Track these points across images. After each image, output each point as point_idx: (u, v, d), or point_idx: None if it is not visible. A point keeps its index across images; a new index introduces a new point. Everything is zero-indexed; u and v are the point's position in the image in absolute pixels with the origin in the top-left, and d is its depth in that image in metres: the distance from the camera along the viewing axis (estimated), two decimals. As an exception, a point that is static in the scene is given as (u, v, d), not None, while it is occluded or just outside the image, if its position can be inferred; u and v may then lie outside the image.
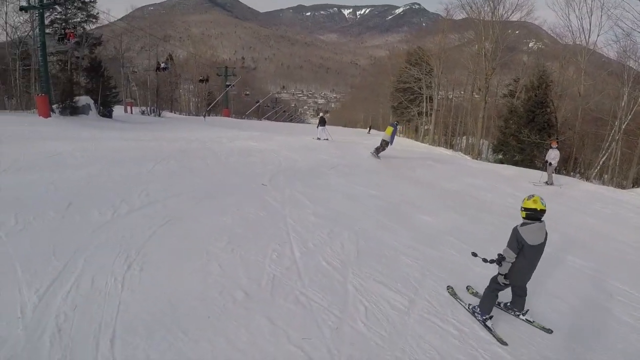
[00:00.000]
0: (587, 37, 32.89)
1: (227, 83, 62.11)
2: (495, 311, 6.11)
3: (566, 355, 5.56)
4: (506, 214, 12.45)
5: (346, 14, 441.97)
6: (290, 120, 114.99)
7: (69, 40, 26.97)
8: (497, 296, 5.99)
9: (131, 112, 44.87)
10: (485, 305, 5.94)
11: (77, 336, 4.75)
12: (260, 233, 8.27)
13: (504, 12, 39.23)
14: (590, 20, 32.39)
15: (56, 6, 30.19)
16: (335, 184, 13.90)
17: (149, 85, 52.24)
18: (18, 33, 29.77)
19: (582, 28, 32.84)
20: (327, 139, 28.27)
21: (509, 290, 6.10)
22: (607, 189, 22.07)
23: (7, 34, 29.43)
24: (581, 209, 14.90)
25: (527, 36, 50.44)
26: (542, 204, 5.75)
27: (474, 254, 6.25)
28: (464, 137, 47.21)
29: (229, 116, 62.46)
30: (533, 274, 5.96)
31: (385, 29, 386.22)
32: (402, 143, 40.56)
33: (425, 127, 51.88)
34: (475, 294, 6.66)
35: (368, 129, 50.80)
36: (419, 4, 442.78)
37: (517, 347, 5.51)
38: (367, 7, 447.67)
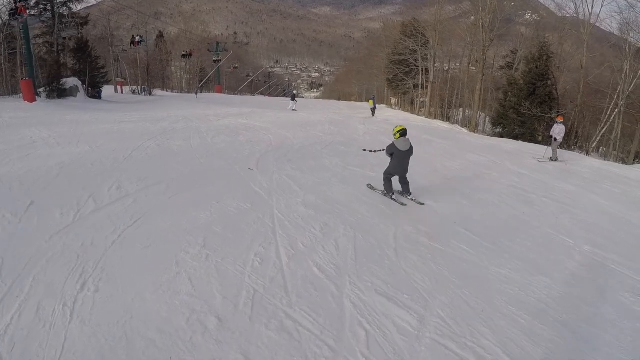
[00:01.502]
0: (590, 8, 31.81)
1: (214, 58, 60.98)
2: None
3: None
4: (514, 195, 11.48)
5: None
6: (284, 95, 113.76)
7: (20, 15, 25.62)
8: (390, 181, 9.78)
9: (122, 92, 44.33)
10: (387, 187, 9.82)
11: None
12: (242, 232, 7.15)
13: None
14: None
15: (39, -14, 29.54)
16: (329, 165, 12.87)
17: (139, 64, 50.90)
18: (1, 16, 28.70)
19: (586, -3, 31.44)
20: (294, 110, 33.99)
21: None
22: (611, 164, 21.24)
23: (-12, 17, 28.25)
24: (591, 188, 13.78)
25: (523, 7, 49.44)
26: (400, 126, 9.64)
27: (364, 150, 11.91)
28: (460, 110, 46.08)
29: (221, 92, 61.62)
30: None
31: (379, 1, 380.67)
32: (399, 117, 40.05)
33: (421, 100, 50.62)
34: (372, 187, 10.43)
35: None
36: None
37: None
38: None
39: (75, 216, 7.29)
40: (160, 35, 63.85)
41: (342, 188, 10.36)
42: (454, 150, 18.64)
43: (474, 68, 42.20)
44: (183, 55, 57.57)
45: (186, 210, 7.90)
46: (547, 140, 19.11)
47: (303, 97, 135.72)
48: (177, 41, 65.43)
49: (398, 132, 9.43)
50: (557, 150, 18.52)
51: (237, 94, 70.96)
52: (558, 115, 19.79)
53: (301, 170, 11.73)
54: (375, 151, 11.82)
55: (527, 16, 50.19)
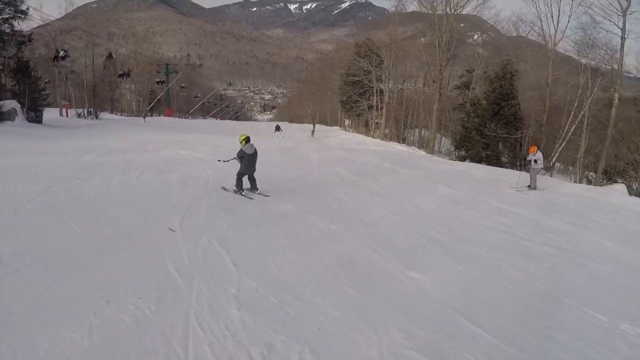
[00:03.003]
0: (555, 24, 31.97)
1: (158, 79, 58.46)
2: None
3: None
4: (509, 245, 9.34)
5: (292, 9, 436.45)
6: (237, 118, 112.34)
7: None
8: (241, 180, 11.80)
9: (67, 115, 42.33)
10: (238, 186, 11.80)
11: None
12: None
13: (458, 1, 37.49)
14: (559, 6, 31.26)
15: (-22, 1, 27.53)
16: (281, 211, 10.54)
17: (86, 85, 48.07)
18: None
19: (551, 14, 31.64)
20: (282, 138, 35.94)
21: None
22: (589, 189, 20.31)
23: None
24: (584, 224, 12.02)
25: (472, 29, 50.34)
26: (244, 135, 12.19)
27: (219, 160, 13.65)
28: (416, 130, 46.72)
29: (171, 116, 59.55)
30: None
31: (332, 23, 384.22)
32: (354, 140, 39.67)
33: (376, 121, 50.09)
34: (226, 189, 12.05)
35: (312, 128, 46.54)
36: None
37: None
38: (313, 1, 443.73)
39: None
40: (110, 56, 61.58)
41: (295, 258, 7.60)
42: (422, 183, 16.96)
43: (427, 88, 43.42)
44: (120, 75, 55.87)
45: (55, 324, 4.89)
46: (525, 166, 18.38)
47: (256, 120, 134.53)
48: (127, 62, 62.82)
49: (243, 139, 11.89)
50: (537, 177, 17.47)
51: (188, 117, 68.86)
52: (531, 147, 17.84)
53: (239, 227, 9.02)
54: (227, 160, 12.99)
55: (476, 37, 51.88)
